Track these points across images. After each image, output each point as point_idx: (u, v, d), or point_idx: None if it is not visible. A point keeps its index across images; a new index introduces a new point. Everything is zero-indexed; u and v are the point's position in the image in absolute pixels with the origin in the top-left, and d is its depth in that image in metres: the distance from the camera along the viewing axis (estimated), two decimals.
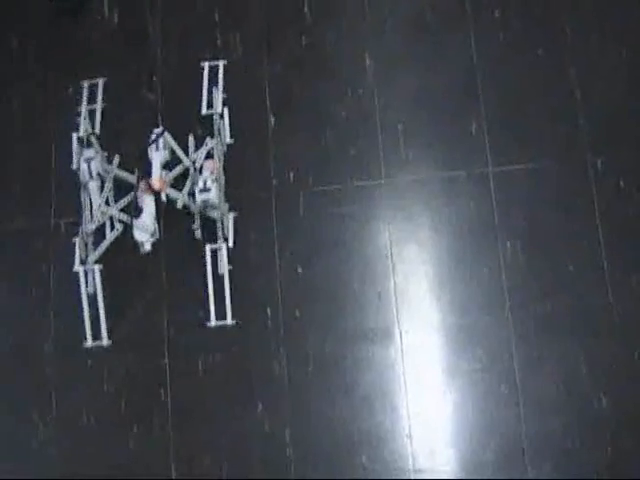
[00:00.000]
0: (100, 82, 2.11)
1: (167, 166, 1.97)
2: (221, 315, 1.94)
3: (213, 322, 1.93)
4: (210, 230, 1.98)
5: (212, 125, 2.01)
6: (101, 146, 2.00)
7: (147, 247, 1.93)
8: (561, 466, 1.87)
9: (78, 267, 1.93)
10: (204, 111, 2.03)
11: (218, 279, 1.95)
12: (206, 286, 1.94)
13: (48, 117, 2.12)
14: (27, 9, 2.21)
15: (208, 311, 1.93)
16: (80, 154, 1.96)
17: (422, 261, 1.98)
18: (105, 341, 1.94)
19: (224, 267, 1.95)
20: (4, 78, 2.16)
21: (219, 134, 2.02)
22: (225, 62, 2.09)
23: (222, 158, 2.01)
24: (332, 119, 2.04)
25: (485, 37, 2.10)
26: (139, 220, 1.91)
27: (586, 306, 1.95)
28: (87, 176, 1.93)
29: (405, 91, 2.07)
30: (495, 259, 1.97)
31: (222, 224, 1.96)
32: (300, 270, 1.97)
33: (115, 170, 2.00)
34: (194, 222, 1.98)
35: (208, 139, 2.00)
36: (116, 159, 2.01)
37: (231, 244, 1.95)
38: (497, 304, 1.95)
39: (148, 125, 2.04)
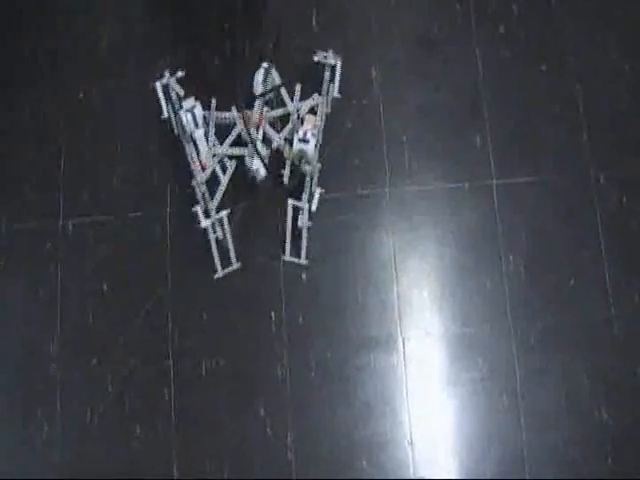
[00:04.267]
0: None
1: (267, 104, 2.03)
2: (296, 253, 1.99)
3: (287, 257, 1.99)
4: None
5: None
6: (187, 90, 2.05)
7: (262, 172, 1.95)
8: (562, 477, 1.87)
9: (206, 223, 1.94)
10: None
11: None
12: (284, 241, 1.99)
13: (58, 118, 2.13)
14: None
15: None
16: (171, 103, 2.01)
17: (425, 270, 1.99)
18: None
19: (304, 222, 1.96)
20: (14, 79, 2.18)
21: (327, 93, 2.04)
22: None
23: (324, 118, 2.04)
24: (337, 129, 2.06)
25: (490, 51, 2.12)
26: (251, 148, 1.95)
27: (588, 319, 1.95)
28: (192, 126, 1.96)
29: (410, 103, 2.09)
30: (497, 270, 1.98)
31: (311, 181, 1.98)
32: (304, 277, 1.98)
33: (215, 113, 2.02)
34: (284, 168, 2.00)
35: (316, 95, 2.03)
36: (213, 102, 2.04)
37: (314, 207, 1.96)
38: (499, 315, 1.95)
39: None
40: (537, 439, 1.88)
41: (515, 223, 2.01)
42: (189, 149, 2.00)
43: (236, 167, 2.01)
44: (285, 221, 1.97)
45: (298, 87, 2.06)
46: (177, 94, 2.05)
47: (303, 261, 1.97)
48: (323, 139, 2.03)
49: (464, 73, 2.11)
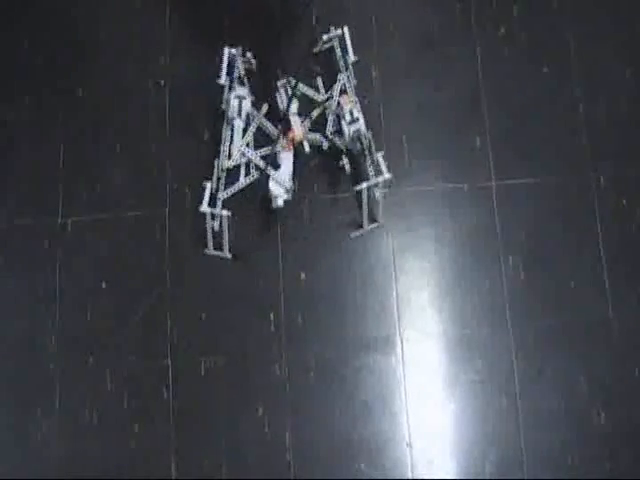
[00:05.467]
0: None
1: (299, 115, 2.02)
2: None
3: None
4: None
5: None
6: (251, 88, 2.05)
7: (280, 202, 1.92)
8: (560, 478, 1.87)
9: (205, 208, 1.92)
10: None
11: None
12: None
13: (57, 116, 2.13)
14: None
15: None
16: (231, 78, 2.00)
17: (424, 271, 1.99)
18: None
19: (381, 193, 1.96)
20: (14, 75, 2.17)
21: (346, 68, 2.05)
22: None
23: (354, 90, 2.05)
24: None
25: (490, 52, 2.12)
26: (277, 173, 1.92)
27: (586, 321, 1.95)
28: (235, 113, 1.96)
29: (410, 103, 2.09)
30: (497, 271, 1.98)
31: (370, 152, 1.98)
32: (303, 276, 1.98)
33: (261, 117, 2.01)
34: (341, 159, 2.01)
35: (339, 74, 2.04)
36: (264, 107, 2.02)
37: (388, 175, 1.94)
38: (498, 316, 1.95)
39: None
40: (535, 440, 1.88)
41: (514, 224, 2.01)
42: (226, 130, 2.00)
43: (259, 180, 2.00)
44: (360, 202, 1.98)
45: (319, 79, 2.07)
46: (239, 75, 2.04)
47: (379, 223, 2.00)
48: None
49: (464, 73, 2.11)
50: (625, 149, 2.05)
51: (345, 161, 2.01)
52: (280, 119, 1.99)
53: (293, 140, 1.96)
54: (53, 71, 2.16)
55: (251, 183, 2.00)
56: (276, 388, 1.91)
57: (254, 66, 2.08)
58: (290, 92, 2.00)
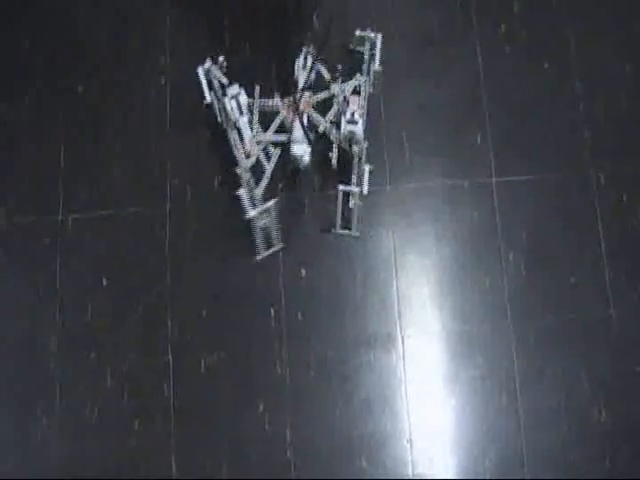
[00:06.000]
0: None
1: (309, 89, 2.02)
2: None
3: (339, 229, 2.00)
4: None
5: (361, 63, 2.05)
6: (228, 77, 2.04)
7: (306, 159, 1.93)
8: (560, 477, 1.87)
9: (252, 213, 1.92)
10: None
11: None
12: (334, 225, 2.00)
13: (57, 114, 2.13)
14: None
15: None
16: (214, 90, 1.99)
17: (425, 268, 1.99)
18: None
19: (356, 202, 1.96)
20: (14, 73, 2.17)
21: (368, 74, 2.04)
22: None
23: (367, 98, 2.04)
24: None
25: (491, 50, 2.12)
26: (293, 136, 1.93)
27: (587, 318, 1.95)
28: (237, 113, 1.95)
29: (411, 100, 2.09)
30: (497, 268, 1.98)
31: (359, 161, 1.98)
32: (303, 273, 1.98)
33: (259, 100, 2.01)
34: (331, 150, 1.99)
35: (358, 75, 2.03)
36: (257, 89, 2.02)
37: (365, 190, 1.96)
38: (498, 313, 1.95)
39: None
40: (536, 437, 1.89)
41: (515, 221, 2.01)
42: (232, 136, 1.99)
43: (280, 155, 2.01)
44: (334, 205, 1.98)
45: (339, 67, 2.06)
46: (219, 81, 2.03)
47: (355, 233, 1.99)
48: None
49: (465, 70, 2.11)
50: (625, 146, 2.06)
51: (334, 155, 1.99)
52: (293, 90, 1.99)
53: (297, 109, 1.95)
54: (53, 70, 2.16)
55: (277, 162, 2.00)
56: (277, 385, 1.91)
57: (225, 69, 2.07)
58: (312, 62, 1.99)
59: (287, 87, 2.03)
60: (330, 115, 2.01)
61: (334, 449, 1.88)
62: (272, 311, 1.96)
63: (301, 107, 1.96)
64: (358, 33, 2.04)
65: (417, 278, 1.98)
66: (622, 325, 1.94)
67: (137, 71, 2.15)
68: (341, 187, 1.94)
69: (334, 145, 1.99)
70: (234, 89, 1.97)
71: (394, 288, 1.97)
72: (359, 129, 1.92)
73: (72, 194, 2.05)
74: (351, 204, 1.96)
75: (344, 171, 2.00)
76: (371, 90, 2.06)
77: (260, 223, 1.95)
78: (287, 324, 1.95)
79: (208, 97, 2.02)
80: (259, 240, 1.96)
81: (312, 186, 2.03)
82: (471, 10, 2.15)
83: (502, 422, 1.90)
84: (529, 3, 2.16)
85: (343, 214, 1.98)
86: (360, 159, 1.97)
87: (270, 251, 1.98)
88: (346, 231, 1.99)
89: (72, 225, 2.03)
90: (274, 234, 1.97)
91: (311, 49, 2.03)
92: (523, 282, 1.98)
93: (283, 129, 2.00)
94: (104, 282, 1.99)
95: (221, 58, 2.05)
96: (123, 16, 2.21)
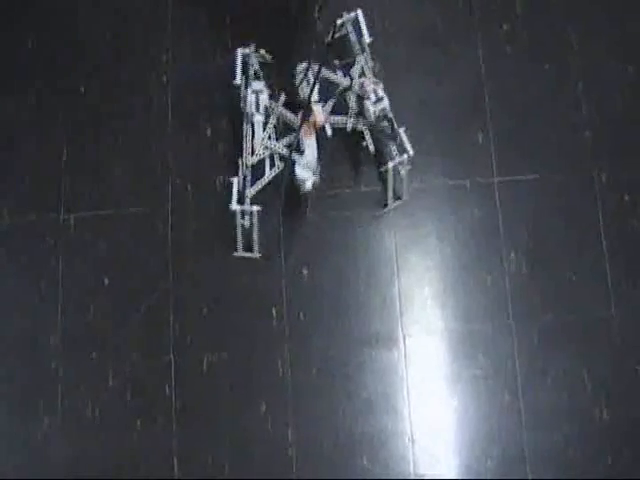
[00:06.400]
0: None
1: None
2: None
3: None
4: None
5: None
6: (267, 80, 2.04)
7: (308, 185, 1.91)
8: (562, 476, 1.87)
9: (235, 206, 1.91)
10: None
11: None
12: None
13: (58, 114, 2.13)
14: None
15: None
16: (246, 76, 1.99)
17: (426, 267, 1.99)
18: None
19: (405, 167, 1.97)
20: (15, 72, 2.17)
21: (362, 51, 2.04)
22: None
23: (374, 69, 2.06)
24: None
25: (493, 49, 2.12)
26: (303, 157, 1.91)
27: (589, 318, 1.95)
28: (254, 108, 1.94)
29: (413, 99, 2.08)
30: (499, 268, 1.98)
31: (392, 130, 1.98)
32: (305, 272, 1.98)
33: (280, 108, 2.00)
34: (364, 139, 1.99)
35: (357, 57, 2.03)
36: (282, 97, 2.02)
37: (411, 151, 1.97)
38: (500, 312, 1.95)
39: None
40: (537, 437, 1.88)
41: (517, 221, 2.01)
42: (246, 127, 1.98)
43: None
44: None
45: (336, 62, 2.05)
46: (255, 71, 2.03)
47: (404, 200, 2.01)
48: (325, 138, 2.02)
49: (466, 70, 2.11)
50: (627, 146, 2.05)
51: (369, 141, 1.98)
52: (300, 105, 1.97)
53: (315, 125, 1.94)
54: (54, 70, 2.16)
55: (277, 175, 1.98)
56: (278, 385, 1.91)
57: (269, 60, 2.07)
58: (314, 77, 1.95)
59: (290, 94, 2.02)
60: (353, 107, 2.00)
61: (336, 448, 1.88)
62: (274, 311, 1.95)
63: (318, 120, 1.94)
64: (339, 22, 2.04)
65: (419, 277, 1.98)
66: (624, 325, 1.94)
67: (138, 70, 2.15)
68: (390, 163, 1.95)
69: (365, 132, 1.99)
70: (258, 85, 1.97)
71: (396, 287, 1.97)
72: (387, 103, 1.94)
73: (73, 194, 2.05)
74: (402, 173, 1.96)
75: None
76: (372, 63, 2.05)
77: (240, 221, 1.94)
78: (289, 324, 1.95)
79: (238, 79, 2.01)
80: (239, 237, 1.95)
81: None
82: (473, 9, 2.15)
83: (504, 421, 1.90)
84: (531, 2, 2.16)
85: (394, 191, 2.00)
86: (393, 128, 1.97)
87: (248, 254, 1.98)
88: (399, 201, 2.00)
89: (73, 225, 2.03)
90: (255, 239, 1.96)
91: (311, 65, 2.01)
92: (525, 282, 1.97)
93: (297, 147, 1.98)
94: (105, 282, 1.99)
95: (263, 50, 2.06)
96: (124, 15, 2.21)
